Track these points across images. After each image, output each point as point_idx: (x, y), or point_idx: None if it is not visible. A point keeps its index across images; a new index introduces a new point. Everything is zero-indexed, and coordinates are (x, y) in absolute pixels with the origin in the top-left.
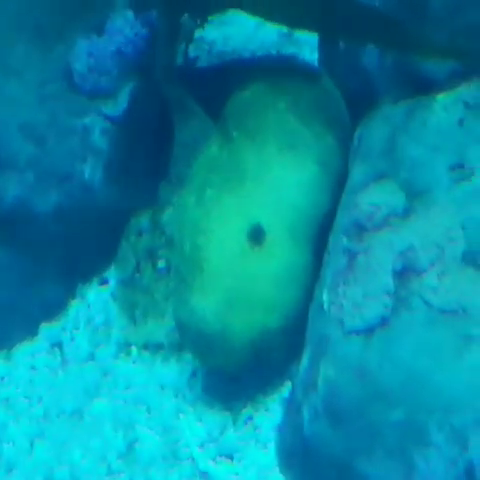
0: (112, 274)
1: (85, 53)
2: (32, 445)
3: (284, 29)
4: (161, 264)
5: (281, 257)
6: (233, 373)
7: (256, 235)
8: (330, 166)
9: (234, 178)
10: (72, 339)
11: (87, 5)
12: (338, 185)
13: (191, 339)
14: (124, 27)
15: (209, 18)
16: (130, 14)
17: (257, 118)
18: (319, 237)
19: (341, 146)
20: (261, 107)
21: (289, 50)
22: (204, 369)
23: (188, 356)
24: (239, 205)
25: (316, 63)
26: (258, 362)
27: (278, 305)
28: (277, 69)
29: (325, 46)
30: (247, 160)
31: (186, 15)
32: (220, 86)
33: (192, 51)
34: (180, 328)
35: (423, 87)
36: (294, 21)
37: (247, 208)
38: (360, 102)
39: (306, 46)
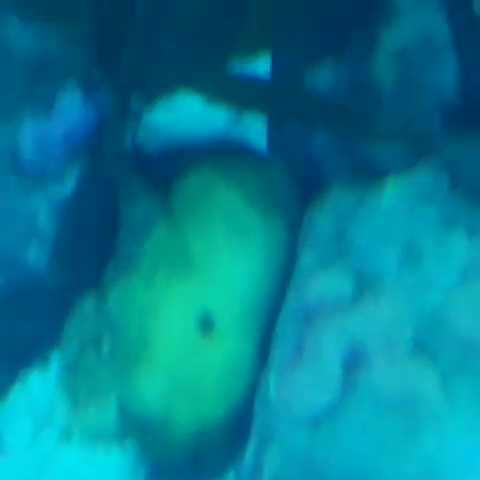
0: (56, 358)
1: (32, 135)
2: None
3: (231, 113)
4: (105, 349)
5: (228, 348)
6: (174, 464)
7: (205, 324)
8: (278, 252)
9: (183, 265)
10: (12, 427)
11: (35, 86)
12: (286, 272)
13: (134, 425)
14: (73, 109)
15: (157, 100)
16: (79, 96)
17: (204, 204)
18: (266, 327)
19: (289, 231)
20: (208, 191)
21: (236, 135)
22: (147, 459)
23: (131, 444)
24: (188, 293)
25: (264, 147)
26: (200, 454)
27: (223, 397)
28: (224, 152)
29: (274, 129)
30: (195, 246)
31: (135, 97)
32: (167, 169)
33: (139, 134)
34: (124, 413)
35: (373, 172)
36: (242, 105)
37: (196, 296)
38: (309, 187)
39: (253, 131)
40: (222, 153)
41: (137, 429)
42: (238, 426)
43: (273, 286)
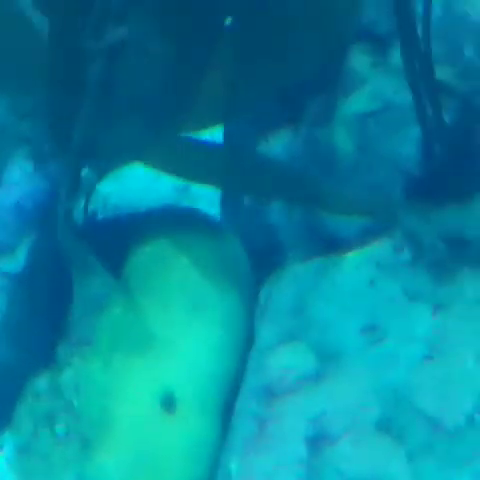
0: (7, 439)
1: None
2: None
3: (181, 182)
4: (60, 429)
5: (191, 427)
6: None
7: (166, 403)
8: (236, 327)
9: (142, 343)
10: None
11: None
12: (245, 346)
13: None
14: (22, 180)
15: (108, 171)
16: (29, 166)
17: (159, 277)
18: (228, 404)
19: (245, 304)
20: (162, 265)
21: (186, 204)
22: None
23: None
24: (148, 371)
25: (216, 217)
26: None
27: (186, 476)
28: (177, 223)
29: (227, 200)
30: (153, 324)
31: (87, 168)
32: (118, 241)
33: (91, 205)
34: None
35: (332, 244)
36: (195, 175)
37: (156, 374)
38: (266, 258)
39: (203, 200)
40: (174, 223)
41: None
42: None
43: (234, 360)
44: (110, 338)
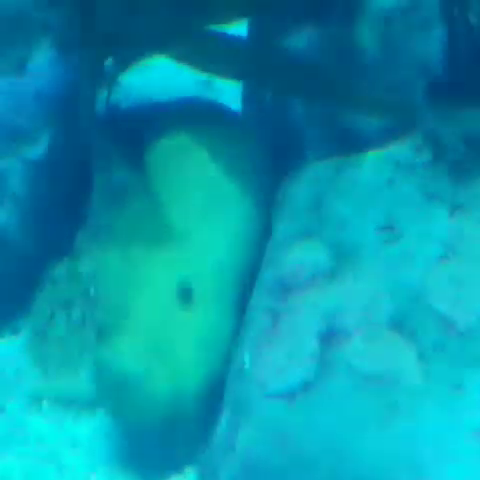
0: (25, 324)
1: (5, 93)
2: None
3: (204, 76)
4: (76, 315)
5: (207, 317)
6: (148, 428)
7: (184, 293)
8: (253, 221)
9: (160, 236)
10: None
11: (8, 43)
12: (262, 240)
13: (110, 388)
14: (46, 68)
15: (132, 63)
16: (53, 55)
17: (178, 171)
18: (244, 297)
19: (263, 199)
20: (182, 157)
21: (208, 98)
22: (118, 427)
23: (102, 413)
24: (167, 262)
25: (238, 112)
26: (174, 421)
27: (201, 364)
28: (198, 116)
29: (250, 96)
30: (171, 216)
31: (109, 59)
32: (139, 131)
33: (113, 96)
34: (99, 378)
35: (352, 143)
36: (218, 68)
37: (175, 266)
38: (286, 155)
39: (226, 95)
40: (196, 116)
41: (113, 393)
42: (215, 396)
43: (250, 254)
44: (129, 230)
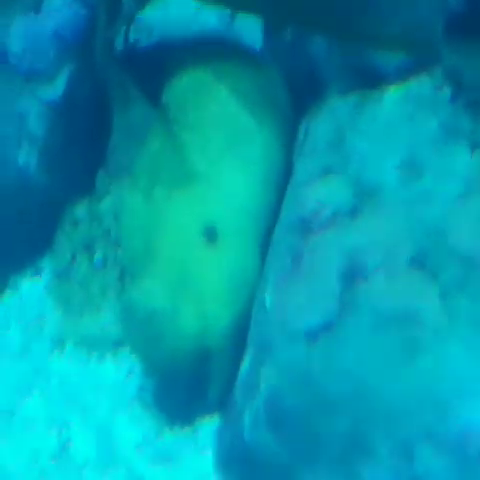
0: (46, 265)
1: (21, 33)
2: None
3: (225, 13)
4: (98, 256)
5: (232, 257)
6: (176, 366)
7: (209, 235)
8: (274, 160)
9: (182, 177)
10: (4, 333)
11: None
12: (283, 179)
13: (139, 323)
14: (63, 6)
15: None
16: None
17: (198, 109)
18: (267, 236)
19: (284, 137)
20: (201, 95)
21: (230, 34)
22: (144, 368)
23: (125, 353)
24: (190, 204)
25: (258, 50)
26: (203, 356)
27: (228, 302)
28: (218, 52)
29: (270, 32)
30: (193, 158)
31: None
32: (159, 69)
33: (131, 33)
34: (128, 313)
35: (372, 80)
36: (237, 3)
37: (199, 208)
38: (306, 92)
39: (247, 32)
40: (216, 53)
41: (142, 331)
42: (242, 334)
43: (272, 194)
44: (150, 170)
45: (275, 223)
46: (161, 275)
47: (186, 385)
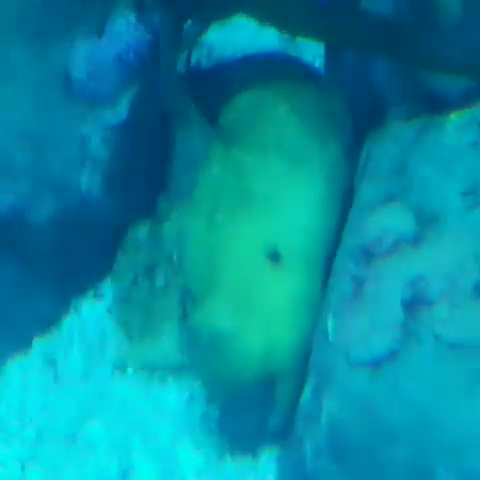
0: (108, 288)
1: (84, 58)
2: (23, 469)
3: (286, 36)
4: (159, 281)
5: (296, 279)
6: (240, 389)
7: (272, 256)
8: (335, 180)
9: (243, 200)
10: (66, 356)
11: (87, 7)
12: (344, 200)
13: (204, 345)
14: (126, 31)
15: (212, 22)
16: (132, 17)
17: (258, 131)
18: (329, 258)
19: (345, 159)
20: (261, 117)
21: (291, 55)
22: (206, 391)
23: (186, 379)
24: (253, 228)
25: (320, 70)
26: (269, 380)
27: (293, 324)
28: (278, 73)
29: (331, 55)
30: (254, 181)
31: (189, 20)
32: (220, 91)
33: (193, 57)
34: (193, 337)
35: (435, 104)
36: (298, 28)
37: (261, 231)
38: (367, 116)
39: (309, 52)
40: (276, 73)
41: (207, 353)
42: (305, 359)
43: (334, 215)
44: (211, 196)
45: (337, 245)
46: (225, 297)
47: (250, 410)
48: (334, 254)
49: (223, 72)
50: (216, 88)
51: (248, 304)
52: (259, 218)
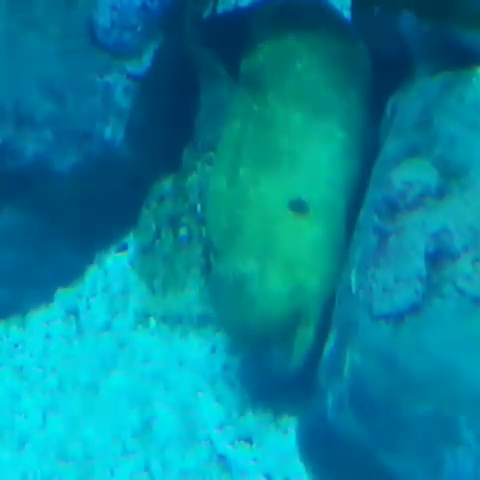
0: (131, 241)
1: (109, 7)
2: (45, 418)
3: None
4: (183, 232)
5: (318, 228)
6: (268, 331)
7: (296, 207)
8: (357, 131)
9: (266, 154)
10: (88, 307)
11: None
12: (366, 151)
13: (228, 289)
14: None
15: None
16: None
17: (279, 81)
18: (353, 208)
19: (367, 109)
20: (282, 67)
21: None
22: (227, 343)
23: (208, 331)
24: (275, 180)
25: (345, 18)
26: (295, 322)
27: (316, 270)
28: (302, 14)
29: (358, 6)
30: (275, 134)
31: None
32: (241, 38)
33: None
34: (215, 283)
35: (463, 59)
36: None
37: (283, 183)
38: (393, 69)
39: (336, 2)
40: (299, 14)
41: (232, 298)
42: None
43: (357, 165)
44: (234, 150)
45: (359, 194)
46: (248, 246)
47: (271, 363)
48: (357, 204)
49: (246, 17)
50: (238, 35)
51: (271, 251)
52: (281, 170)
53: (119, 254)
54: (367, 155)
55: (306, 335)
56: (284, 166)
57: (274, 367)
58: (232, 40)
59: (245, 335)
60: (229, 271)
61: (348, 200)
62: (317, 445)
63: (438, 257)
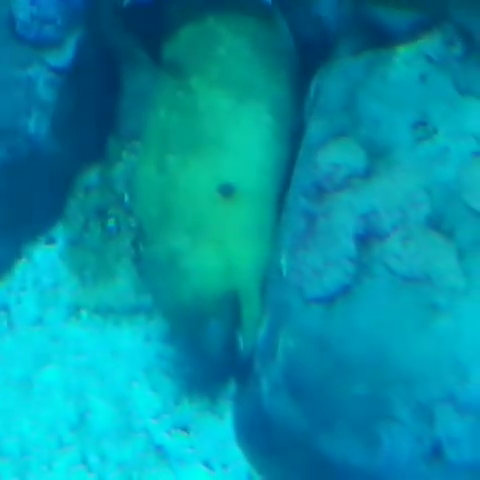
0: (60, 233)
1: (28, 1)
2: None
3: None
4: (111, 223)
5: (248, 211)
6: (203, 306)
7: (226, 191)
8: (284, 114)
9: (192, 141)
10: (19, 301)
11: None
12: (294, 135)
13: (162, 266)
14: None
15: None
16: None
17: (202, 67)
18: (280, 193)
19: (293, 93)
20: (205, 51)
21: None
22: (162, 328)
23: (141, 320)
24: (203, 166)
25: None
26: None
27: (250, 245)
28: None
29: None
30: (201, 120)
31: None
32: (161, 23)
33: None
34: (149, 263)
35: (383, 38)
36: None
37: (212, 169)
38: (315, 51)
39: None
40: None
41: (166, 272)
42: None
43: (285, 149)
44: (160, 138)
45: (288, 179)
46: (179, 225)
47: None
48: (286, 189)
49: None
50: (159, 20)
51: (202, 230)
52: (209, 155)
53: (48, 246)
54: (296, 138)
55: (251, 314)
56: (212, 151)
57: (212, 348)
58: (153, 25)
59: (181, 312)
60: (161, 249)
61: (278, 183)
62: (254, 430)
63: (367, 237)
